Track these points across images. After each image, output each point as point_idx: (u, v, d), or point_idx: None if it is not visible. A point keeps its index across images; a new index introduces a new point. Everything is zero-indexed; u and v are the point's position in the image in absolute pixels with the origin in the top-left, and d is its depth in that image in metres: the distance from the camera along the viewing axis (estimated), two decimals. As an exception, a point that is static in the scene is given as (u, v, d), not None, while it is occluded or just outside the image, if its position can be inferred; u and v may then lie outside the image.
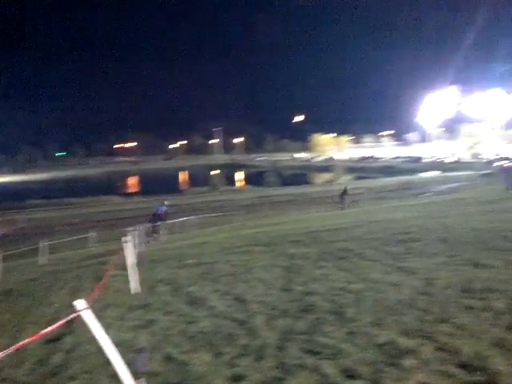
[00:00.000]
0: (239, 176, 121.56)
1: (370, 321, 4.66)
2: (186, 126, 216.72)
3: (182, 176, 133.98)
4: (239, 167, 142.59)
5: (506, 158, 76.01)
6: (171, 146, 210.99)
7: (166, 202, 25.25)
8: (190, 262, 10.15)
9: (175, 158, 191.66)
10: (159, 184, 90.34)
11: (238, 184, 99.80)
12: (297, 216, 29.12)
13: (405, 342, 4.04)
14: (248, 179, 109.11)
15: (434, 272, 6.23)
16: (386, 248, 8.38)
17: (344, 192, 31.41)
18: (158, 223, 22.94)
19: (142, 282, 8.20)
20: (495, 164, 69.79)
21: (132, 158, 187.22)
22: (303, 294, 5.94)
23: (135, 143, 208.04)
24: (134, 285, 7.98)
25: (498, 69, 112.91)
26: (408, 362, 3.69)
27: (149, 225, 22.40)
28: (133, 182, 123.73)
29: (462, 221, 11.28)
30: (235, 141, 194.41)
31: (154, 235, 22.16)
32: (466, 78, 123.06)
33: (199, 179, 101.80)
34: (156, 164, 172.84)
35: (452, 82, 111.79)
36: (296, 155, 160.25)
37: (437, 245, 8.14)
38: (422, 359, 3.71)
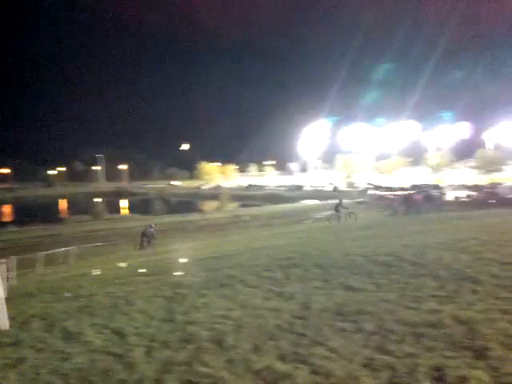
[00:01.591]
0: (124, 204, 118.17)
1: (249, 347, 4.72)
2: (64, 152, 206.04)
3: (63, 204, 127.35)
4: (124, 195, 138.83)
5: (379, 187, 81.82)
6: (50, 173, 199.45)
7: (153, 224, 31.73)
8: (67, 295, 9.62)
9: (56, 185, 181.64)
10: (37, 212, 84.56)
11: (122, 212, 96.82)
12: (184, 244, 28.86)
13: (281, 366, 4.14)
14: (133, 207, 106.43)
15: (311, 296, 6.48)
16: (267, 274, 8.57)
17: (339, 204, 31.44)
18: (145, 240, 29.03)
19: (13, 317, 7.60)
20: (369, 192, 74.77)
21: (7, 185, 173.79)
22: (184, 324, 5.87)
23: (9, 169, 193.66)
24: (4, 321, 7.36)
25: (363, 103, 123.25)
26: (283, 386, 3.78)
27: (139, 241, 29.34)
28: (7, 211, 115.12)
29: (337, 246, 11.90)
30: (119, 168, 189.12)
31: (142, 249, 28.15)
32: (341, 111, 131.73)
33: (81, 207, 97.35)
34: (34, 191, 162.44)
35: (326, 115, 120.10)
36: (172, 182, 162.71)
37: (314, 270, 8.49)
38: (296, 383, 3.81)
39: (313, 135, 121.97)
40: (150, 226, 30.50)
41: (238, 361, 4.42)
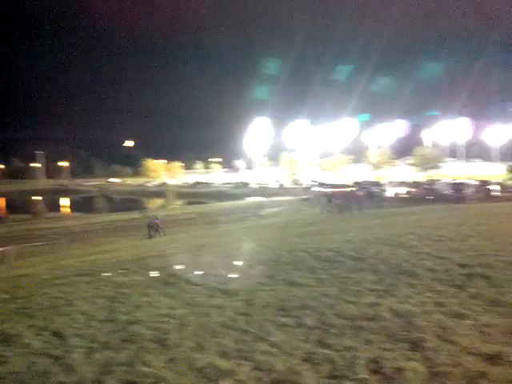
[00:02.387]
0: (65, 202, 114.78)
1: (192, 345, 4.71)
2: (2, 148, 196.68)
3: (1, 202, 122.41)
4: (65, 192, 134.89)
5: (323, 184, 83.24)
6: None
7: (158, 217, 36.00)
8: (4, 296, 9.26)
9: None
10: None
11: (63, 210, 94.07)
12: (130, 242, 28.35)
13: (224, 363, 4.16)
14: (75, 205, 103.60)
15: (255, 293, 6.54)
16: (212, 271, 8.57)
17: (331, 196, 31.59)
18: (152, 230, 31.88)
19: None
20: (313, 189, 75.97)
21: None
22: (126, 324, 5.78)
23: None
24: None
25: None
26: (225, 383, 3.80)
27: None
28: None
29: (282, 243, 12.03)
30: (60, 165, 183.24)
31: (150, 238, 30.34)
32: (285, 109, 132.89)
33: (21, 206, 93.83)
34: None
35: (271, 113, 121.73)
36: (111, 180, 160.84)
37: (258, 266, 8.56)
38: (238, 380, 3.84)
39: (258, 132, 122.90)
40: (156, 218, 34.53)
41: (180, 359, 4.41)
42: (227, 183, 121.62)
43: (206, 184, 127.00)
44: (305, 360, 4.14)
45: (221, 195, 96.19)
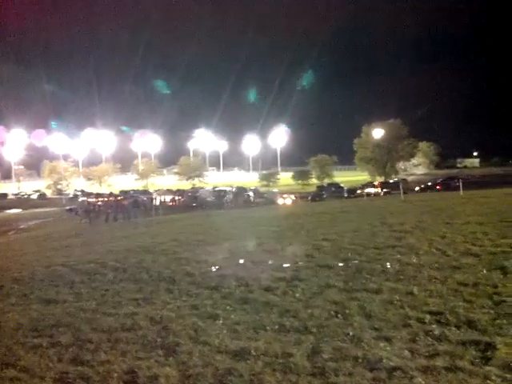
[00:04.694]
0: None
1: None
2: None
3: None
4: None
5: (89, 194, 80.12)
6: None
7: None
8: None
9: None
10: None
11: None
12: None
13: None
14: None
15: (3, 315, 5.99)
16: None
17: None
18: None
19: None
20: (79, 200, 72.53)
21: None
22: None
23: None
24: None
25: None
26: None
27: None
28: None
29: (39, 258, 11.25)
30: None
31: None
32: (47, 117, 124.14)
33: None
34: None
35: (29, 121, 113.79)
36: None
37: (11, 285, 7.86)
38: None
39: (14, 140, 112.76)
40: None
41: None
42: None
43: None
44: (57, 381, 3.93)
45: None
